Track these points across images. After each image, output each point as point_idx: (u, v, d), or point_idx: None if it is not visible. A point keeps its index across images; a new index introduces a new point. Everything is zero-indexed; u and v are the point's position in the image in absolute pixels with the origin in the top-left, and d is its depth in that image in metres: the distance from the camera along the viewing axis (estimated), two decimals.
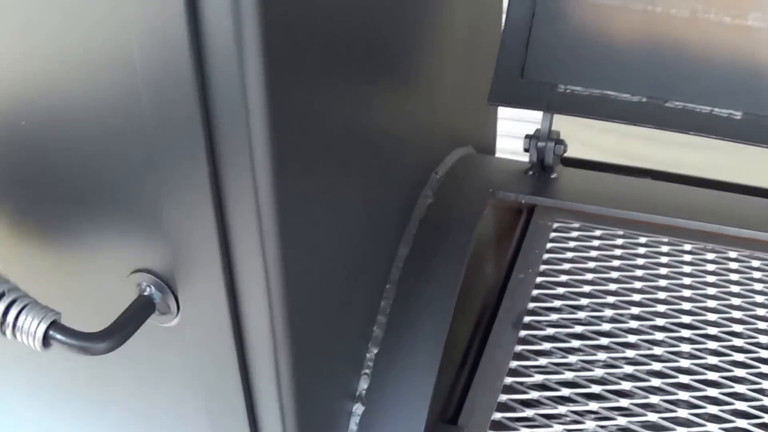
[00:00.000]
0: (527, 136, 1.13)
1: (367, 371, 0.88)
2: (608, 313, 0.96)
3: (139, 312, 0.68)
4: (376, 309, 0.91)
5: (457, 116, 1.20)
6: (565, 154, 1.14)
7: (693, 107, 1.06)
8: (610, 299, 0.98)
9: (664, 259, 1.04)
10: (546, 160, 1.13)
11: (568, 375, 0.89)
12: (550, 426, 0.84)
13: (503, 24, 1.12)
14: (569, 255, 1.05)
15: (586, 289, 1.00)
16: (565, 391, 0.87)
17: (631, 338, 0.93)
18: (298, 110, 0.64)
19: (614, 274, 1.02)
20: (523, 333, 0.93)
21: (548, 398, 0.87)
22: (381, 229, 0.93)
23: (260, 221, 0.63)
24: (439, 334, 0.89)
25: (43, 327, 0.61)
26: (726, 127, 1.04)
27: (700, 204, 1.11)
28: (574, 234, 1.08)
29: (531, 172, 1.16)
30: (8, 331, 0.61)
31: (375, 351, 0.89)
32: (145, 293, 0.69)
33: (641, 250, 1.06)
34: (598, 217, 1.10)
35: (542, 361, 0.90)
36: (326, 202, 0.74)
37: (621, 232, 1.08)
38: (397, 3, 0.87)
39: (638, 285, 1.01)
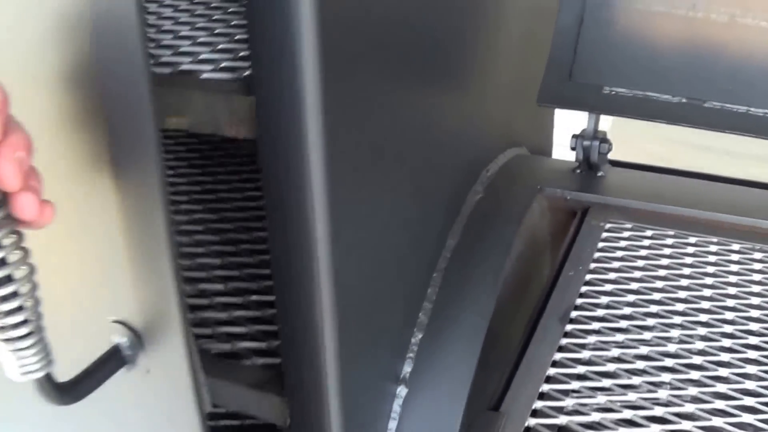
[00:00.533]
0: (574, 136, 1.17)
1: (411, 355, 0.91)
2: (653, 309, 0.98)
3: (107, 365, 0.67)
4: (423, 296, 0.95)
5: (510, 118, 1.24)
6: (614, 157, 1.17)
7: (730, 107, 1.09)
8: (656, 296, 1.00)
9: (711, 258, 1.06)
10: (591, 158, 1.17)
11: (609, 367, 0.91)
12: (588, 414, 0.86)
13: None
14: (619, 254, 1.07)
15: (634, 286, 1.02)
16: (606, 382, 0.89)
17: (674, 333, 0.95)
18: (351, 109, 0.67)
19: (662, 272, 1.04)
20: (569, 327, 0.96)
21: (588, 388, 0.89)
22: (430, 223, 0.97)
23: (313, 215, 0.66)
24: (480, 321, 0.93)
25: (41, 373, 0.59)
26: (761, 125, 1.07)
27: (751, 202, 1.13)
28: (626, 234, 1.11)
29: (578, 171, 1.19)
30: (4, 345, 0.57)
31: (420, 336, 0.92)
32: (117, 345, 0.68)
33: (690, 250, 1.08)
34: (645, 214, 1.12)
35: (585, 354, 0.93)
36: (377, 198, 0.79)
37: (672, 232, 1.10)
38: (454, 3, 0.91)
39: (684, 282, 1.02)
